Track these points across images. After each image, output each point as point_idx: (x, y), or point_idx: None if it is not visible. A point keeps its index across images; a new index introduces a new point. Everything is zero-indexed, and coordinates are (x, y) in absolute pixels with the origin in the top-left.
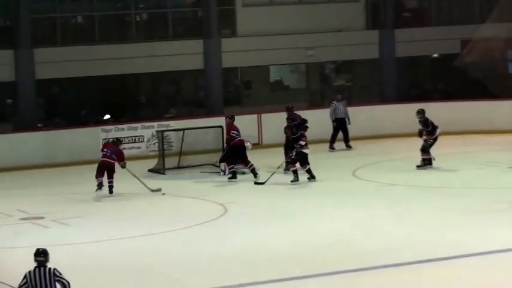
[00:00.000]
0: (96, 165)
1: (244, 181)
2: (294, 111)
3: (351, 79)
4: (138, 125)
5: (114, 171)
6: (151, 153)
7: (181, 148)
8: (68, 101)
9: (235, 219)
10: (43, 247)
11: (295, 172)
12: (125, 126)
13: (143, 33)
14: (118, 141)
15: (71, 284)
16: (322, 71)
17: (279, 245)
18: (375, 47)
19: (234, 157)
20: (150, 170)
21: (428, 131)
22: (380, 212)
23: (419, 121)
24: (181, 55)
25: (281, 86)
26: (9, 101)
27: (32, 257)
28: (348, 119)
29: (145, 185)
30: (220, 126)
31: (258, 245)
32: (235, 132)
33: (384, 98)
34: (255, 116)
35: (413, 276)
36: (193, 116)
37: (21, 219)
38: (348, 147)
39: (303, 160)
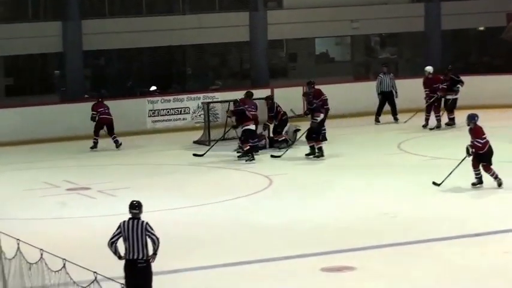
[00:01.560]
0: (144, 136)
1: (289, 153)
2: (315, 87)
3: (395, 52)
4: (184, 96)
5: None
6: (197, 125)
7: (226, 120)
8: (114, 73)
9: (281, 191)
10: (137, 200)
11: (317, 148)
12: (171, 97)
13: (190, 5)
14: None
15: (160, 240)
16: (367, 44)
17: (325, 218)
18: (420, 19)
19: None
20: (195, 142)
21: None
22: (424, 186)
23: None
24: (227, 27)
25: (326, 58)
26: (56, 72)
27: (79, 227)
28: (396, 92)
29: None
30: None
31: (303, 218)
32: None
33: None
34: (300, 88)
35: (462, 249)
36: (238, 88)
37: (67, 189)
38: (395, 120)
39: (246, 138)
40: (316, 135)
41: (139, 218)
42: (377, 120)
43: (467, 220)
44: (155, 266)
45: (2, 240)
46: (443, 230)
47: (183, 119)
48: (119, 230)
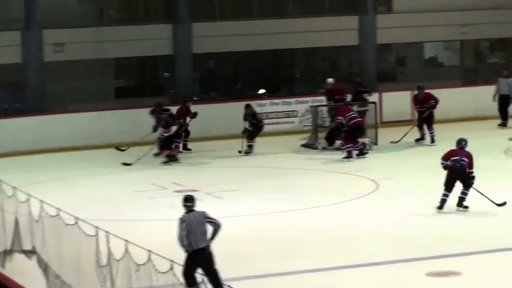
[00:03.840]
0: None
1: (396, 157)
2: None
3: (504, 57)
4: (293, 99)
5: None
6: (305, 128)
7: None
8: (223, 75)
9: (387, 195)
10: (190, 194)
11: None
12: (279, 100)
13: (300, 8)
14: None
15: (222, 225)
16: (476, 48)
17: (430, 222)
18: None
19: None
20: (303, 145)
21: None
22: None
23: None
24: (336, 31)
25: (435, 62)
26: (166, 74)
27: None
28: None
29: None
30: (374, 102)
31: (409, 222)
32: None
33: None
34: (408, 92)
35: None
36: (347, 92)
37: (175, 191)
38: (504, 125)
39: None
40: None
41: (194, 210)
42: (500, 124)
43: None
44: (259, 269)
45: (111, 241)
46: None
47: (291, 122)
48: (184, 224)
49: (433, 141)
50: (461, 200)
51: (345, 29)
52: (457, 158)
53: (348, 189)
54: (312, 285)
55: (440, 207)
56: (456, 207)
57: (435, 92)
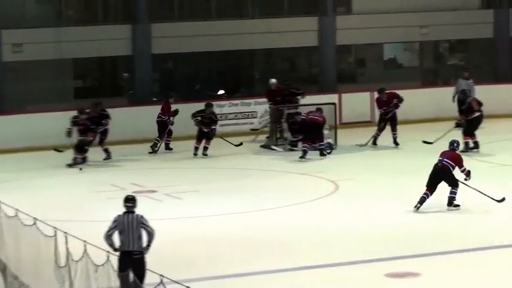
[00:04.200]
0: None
1: (357, 158)
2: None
3: (464, 58)
4: (252, 100)
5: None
6: (265, 129)
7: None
8: (182, 76)
9: (347, 196)
10: (132, 194)
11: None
12: (238, 101)
13: (259, 9)
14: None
15: (155, 233)
16: (436, 50)
17: (390, 224)
18: (489, 26)
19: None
20: (262, 146)
21: None
22: (493, 193)
23: None
24: (296, 32)
25: (395, 63)
26: (125, 75)
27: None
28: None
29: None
30: (334, 104)
31: (368, 223)
32: None
33: (498, 78)
34: (367, 93)
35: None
36: (306, 93)
37: (134, 192)
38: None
39: None
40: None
41: (134, 212)
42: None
43: None
44: (220, 270)
45: (69, 242)
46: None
47: (251, 123)
48: (115, 224)
49: (396, 143)
50: (450, 199)
51: (304, 30)
52: (440, 158)
53: (307, 190)
54: (273, 285)
55: (418, 205)
56: (447, 207)
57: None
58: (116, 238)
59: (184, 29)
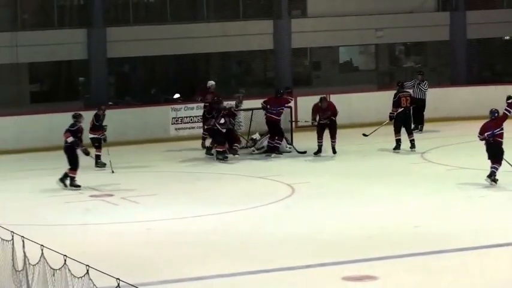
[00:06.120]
0: (167, 143)
1: (313, 162)
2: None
3: (420, 61)
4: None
5: None
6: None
7: (249, 128)
8: (138, 80)
9: (303, 200)
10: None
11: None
12: (194, 105)
13: (214, 12)
14: None
15: None
16: (392, 53)
17: (346, 227)
18: (446, 28)
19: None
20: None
21: None
22: (449, 196)
23: None
24: (251, 35)
25: (350, 66)
26: (81, 79)
27: (103, 235)
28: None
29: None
30: (289, 107)
31: (324, 227)
32: None
33: (454, 80)
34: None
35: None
36: (262, 96)
37: (91, 196)
38: (420, 129)
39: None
40: None
41: None
42: (415, 128)
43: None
44: (179, 273)
45: (26, 246)
46: (468, 241)
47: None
48: None
49: (334, 151)
50: (492, 173)
51: (259, 33)
52: (489, 133)
53: (264, 194)
54: None
55: (495, 179)
56: (486, 177)
57: (350, 96)
58: None
59: (140, 33)
